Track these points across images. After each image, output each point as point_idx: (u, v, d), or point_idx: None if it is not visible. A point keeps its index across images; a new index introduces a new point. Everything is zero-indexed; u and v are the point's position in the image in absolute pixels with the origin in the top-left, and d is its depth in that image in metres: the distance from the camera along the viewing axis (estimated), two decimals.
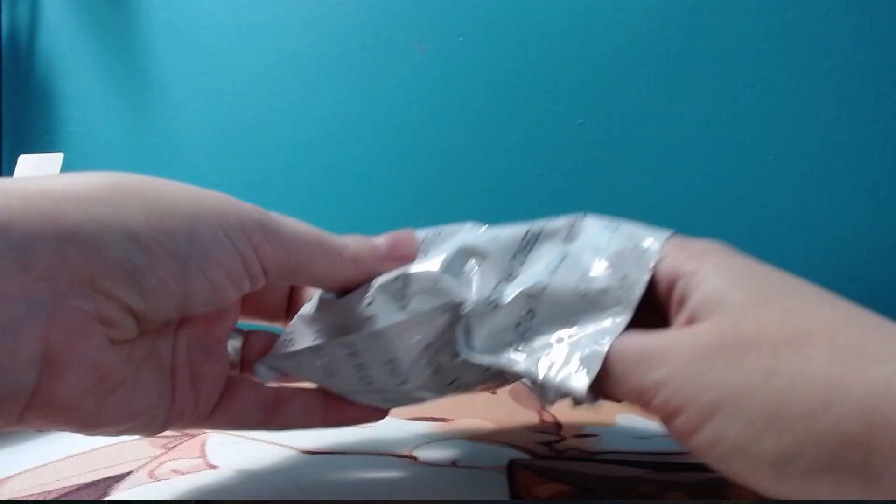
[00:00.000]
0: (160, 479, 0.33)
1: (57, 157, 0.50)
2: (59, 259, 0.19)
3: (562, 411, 0.45)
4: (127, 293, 0.21)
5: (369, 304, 0.27)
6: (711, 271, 0.23)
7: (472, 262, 0.27)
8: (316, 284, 0.29)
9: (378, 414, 0.31)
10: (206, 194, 0.24)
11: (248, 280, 0.24)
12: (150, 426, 0.24)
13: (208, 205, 0.23)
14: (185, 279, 0.22)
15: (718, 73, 0.70)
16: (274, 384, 0.31)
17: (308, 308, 0.30)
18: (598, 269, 0.25)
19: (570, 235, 0.27)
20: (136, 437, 0.40)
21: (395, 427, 0.42)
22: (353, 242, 0.29)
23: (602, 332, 0.23)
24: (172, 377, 0.25)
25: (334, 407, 0.30)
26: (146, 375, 0.24)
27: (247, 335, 0.31)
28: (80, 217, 0.20)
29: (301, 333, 0.29)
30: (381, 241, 0.29)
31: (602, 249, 0.26)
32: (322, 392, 0.30)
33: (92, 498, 0.31)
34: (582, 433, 0.40)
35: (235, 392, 0.29)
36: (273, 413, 0.29)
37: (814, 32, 0.69)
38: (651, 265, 0.25)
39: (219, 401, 0.28)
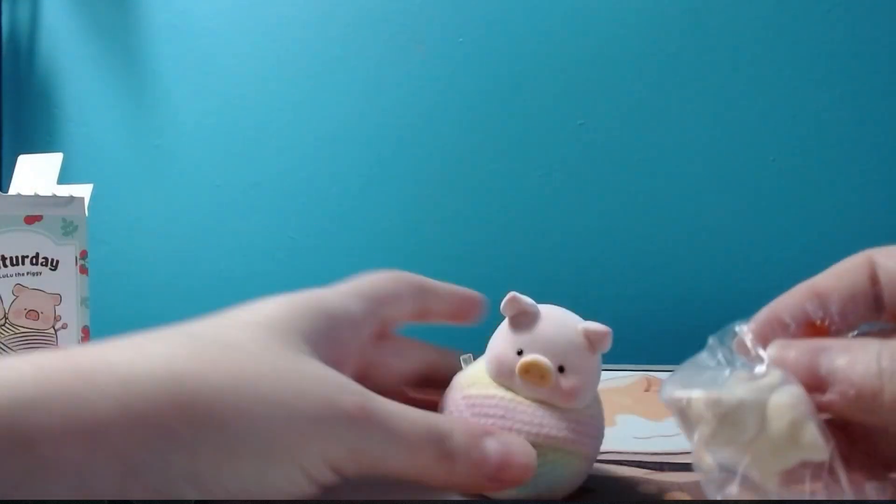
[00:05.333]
0: None
1: (57, 158, 0.50)
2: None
3: None
4: None
5: None
6: None
7: None
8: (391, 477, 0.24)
9: None
10: (286, 409, 0.20)
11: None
12: None
13: (286, 437, 0.19)
14: None
15: (718, 73, 0.70)
16: None
17: None
18: None
19: None
20: None
21: None
22: (462, 453, 0.22)
23: None
24: None
25: None
26: None
27: None
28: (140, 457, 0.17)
29: None
30: (492, 451, 0.23)
31: None
32: None
33: None
34: None
35: None
36: None
37: (814, 32, 0.69)
38: None
39: None
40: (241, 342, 0.21)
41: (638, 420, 0.44)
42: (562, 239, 0.72)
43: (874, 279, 0.24)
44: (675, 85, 0.71)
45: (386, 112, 0.75)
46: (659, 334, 0.72)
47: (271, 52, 0.76)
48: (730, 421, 0.21)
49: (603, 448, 0.32)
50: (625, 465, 0.35)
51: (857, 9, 0.68)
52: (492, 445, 0.23)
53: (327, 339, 0.24)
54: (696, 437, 0.22)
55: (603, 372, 0.31)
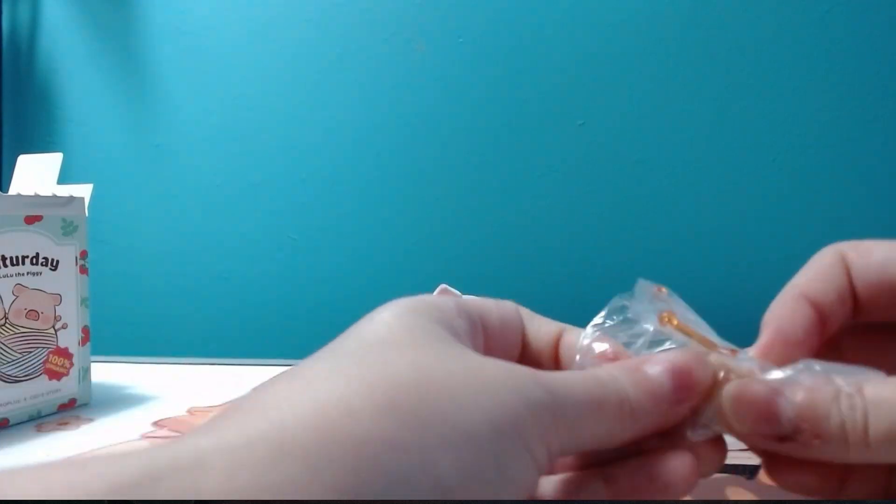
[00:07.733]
0: None
1: (56, 157, 0.50)
2: None
3: None
4: None
5: None
6: None
7: None
8: (588, 449, 0.22)
9: None
10: (488, 384, 0.17)
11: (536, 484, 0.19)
12: None
13: (503, 407, 0.17)
14: None
15: (718, 74, 0.70)
16: None
17: None
18: None
19: None
20: (139, 438, 0.40)
21: None
22: (631, 388, 0.20)
23: None
24: None
25: None
26: None
27: None
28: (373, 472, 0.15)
29: None
30: (658, 376, 0.21)
31: None
32: None
33: None
34: None
35: None
36: None
37: (814, 32, 0.69)
38: None
39: None
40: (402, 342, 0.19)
41: None
42: (561, 238, 0.72)
43: (849, 278, 0.23)
44: (675, 85, 0.71)
45: (386, 112, 0.75)
46: None
47: (271, 52, 0.76)
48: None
49: None
50: None
51: (857, 9, 0.68)
52: (652, 369, 0.21)
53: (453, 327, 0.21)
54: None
55: None
